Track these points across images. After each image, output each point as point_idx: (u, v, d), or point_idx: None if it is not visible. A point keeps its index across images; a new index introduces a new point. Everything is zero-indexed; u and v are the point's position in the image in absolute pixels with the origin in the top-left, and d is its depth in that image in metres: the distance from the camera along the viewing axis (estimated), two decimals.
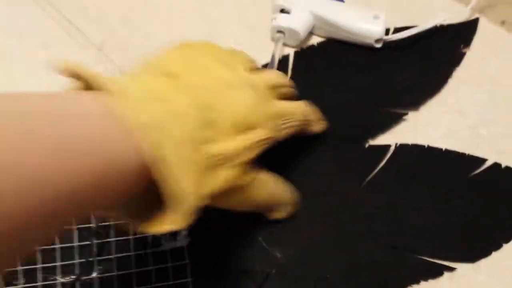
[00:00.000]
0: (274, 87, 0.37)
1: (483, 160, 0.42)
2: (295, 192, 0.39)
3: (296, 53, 0.50)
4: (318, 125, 0.42)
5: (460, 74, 0.48)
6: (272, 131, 0.33)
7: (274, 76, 0.39)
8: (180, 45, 0.35)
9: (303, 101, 0.40)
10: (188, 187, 0.26)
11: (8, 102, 0.22)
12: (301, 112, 0.38)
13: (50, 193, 0.21)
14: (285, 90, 0.39)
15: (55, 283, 0.36)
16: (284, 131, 0.35)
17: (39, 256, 0.36)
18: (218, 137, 0.29)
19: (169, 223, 0.26)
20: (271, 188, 0.36)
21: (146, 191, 0.27)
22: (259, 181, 0.34)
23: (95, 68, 0.49)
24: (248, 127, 0.31)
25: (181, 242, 0.38)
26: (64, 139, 0.22)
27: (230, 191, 0.30)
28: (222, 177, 0.29)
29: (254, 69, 0.38)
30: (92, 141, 0.23)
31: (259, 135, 0.32)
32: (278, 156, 0.36)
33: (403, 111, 0.45)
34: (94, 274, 0.36)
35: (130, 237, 0.38)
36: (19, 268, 0.35)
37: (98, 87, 0.26)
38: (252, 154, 0.31)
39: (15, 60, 0.50)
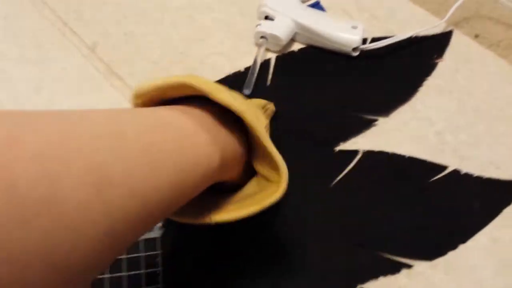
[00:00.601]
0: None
1: (443, 167, 0.45)
2: None
3: (277, 57, 0.53)
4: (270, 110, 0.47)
5: (431, 83, 0.51)
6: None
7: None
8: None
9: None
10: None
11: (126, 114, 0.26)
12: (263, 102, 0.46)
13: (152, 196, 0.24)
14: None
15: None
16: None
17: None
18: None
19: (281, 190, 0.34)
20: None
21: None
22: None
23: (87, 67, 0.51)
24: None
25: (155, 233, 0.41)
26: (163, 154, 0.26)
27: None
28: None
29: None
30: (184, 150, 0.27)
31: (268, 111, 0.43)
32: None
33: (374, 117, 0.48)
34: None
35: None
36: None
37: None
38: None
39: (10, 58, 0.53)
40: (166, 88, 0.31)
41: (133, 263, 0.39)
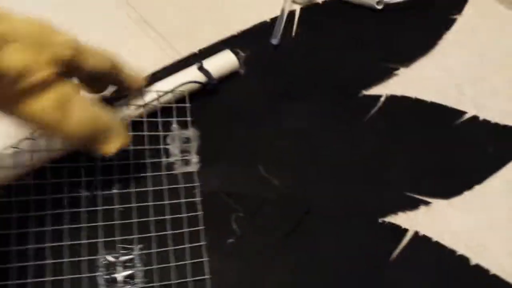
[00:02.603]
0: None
1: (463, 113, 0.48)
2: (123, 124, 0.40)
3: (302, 9, 0.55)
4: (134, 79, 0.42)
5: (451, 38, 0.53)
6: (72, 50, 0.33)
7: None
8: None
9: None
10: None
11: None
12: (105, 56, 0.38)
13: None
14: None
15: (79, 196, 0.41)
16: (91, 60, 0.36)
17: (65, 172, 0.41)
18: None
19: None
20: (93, 111, 0.36)
21: None
22: (79, 100, 0.34)
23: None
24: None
25: (192, 167, 0.43)
26: None
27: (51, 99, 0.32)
28: (12, 57, 0.30)
29: None
30: None
31: (57, 44, 0.32)
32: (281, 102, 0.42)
33: (395, 66, 0.50)
34: (114, 190, 0.41)
35: (147, 160, 0.43)
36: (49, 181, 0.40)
37: None
38: (47, 55, 0.31)
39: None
40: None
41: (173, 193, 0.42)
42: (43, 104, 0.32)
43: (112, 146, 0.38)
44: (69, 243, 0.39)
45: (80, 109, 0.34)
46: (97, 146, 0.37)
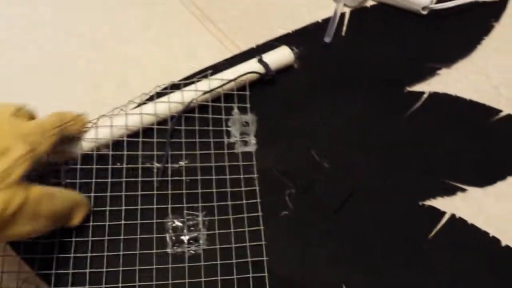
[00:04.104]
0: (17, 112, 0.38)
1: (499, 111, 0.52)
2: (83, 195, 0.42)
3: (351, 12, 0.59)
4: (77, 124, 0.43)
5: (490, 43, 0.57)
6: (29, 146, 0.35)
7: (12, 104, 0.39)
8: None
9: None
10: None
11: None
12: (51, 122, 0.40)
13: None
14: (26, 111, 0.40)
15: (151, 167, 0.46)
16: (46, 142, 0.38)
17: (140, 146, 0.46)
18: None
19: None
20: (60, 197, 0.39)
21: None
22: (47, 195, 0.37)
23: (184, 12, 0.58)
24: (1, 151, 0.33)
25: (250, 148, 0.48)
26: None
27: (19, 212, 0.33)
28: None
29: None
30: None
31: (15, 154, 0.34)
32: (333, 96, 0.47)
33: (437, 66, 0.55)
34: (182, 163, 0.47)
35: (211, 139, 0.48)
36: (124, 152, 0.46)
37: None
38: (16, 173, 0.33)
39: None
40: None
41: (233, 169, 0.47)
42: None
43: (77, 219, 0.41)
44: (142, 207, 0.44)
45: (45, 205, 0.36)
46: (65, 223, 0.41)
